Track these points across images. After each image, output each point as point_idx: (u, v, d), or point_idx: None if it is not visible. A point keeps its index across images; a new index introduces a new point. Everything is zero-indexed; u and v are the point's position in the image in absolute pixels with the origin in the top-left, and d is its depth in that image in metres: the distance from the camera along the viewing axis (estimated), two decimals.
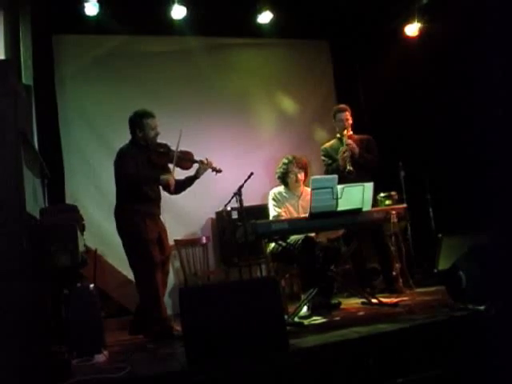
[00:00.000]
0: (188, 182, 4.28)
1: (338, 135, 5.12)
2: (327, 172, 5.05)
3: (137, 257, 4.00)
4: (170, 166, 4.19)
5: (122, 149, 4.11)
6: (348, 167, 4.78)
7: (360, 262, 5.08)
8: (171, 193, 4.22)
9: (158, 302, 3.95)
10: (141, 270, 3.99)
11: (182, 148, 4.17)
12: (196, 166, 4.24)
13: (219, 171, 4.27)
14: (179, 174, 4.23)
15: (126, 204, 4.05)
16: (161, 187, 4.19)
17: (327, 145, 5.21)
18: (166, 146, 4.18)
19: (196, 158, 4.26)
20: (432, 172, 5.59)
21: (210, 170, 4.23)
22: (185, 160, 4.19)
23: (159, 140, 4.20)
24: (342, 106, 5.18)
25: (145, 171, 4.05)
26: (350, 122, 5.06)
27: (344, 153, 4.88)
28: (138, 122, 4.09)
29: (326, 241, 4.58)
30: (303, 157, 4.75)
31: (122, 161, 4.03)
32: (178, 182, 4.16)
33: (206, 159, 4.24)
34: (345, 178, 4.52)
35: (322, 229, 4.26)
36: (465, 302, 3.43)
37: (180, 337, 3.32)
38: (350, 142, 4.93)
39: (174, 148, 4.12)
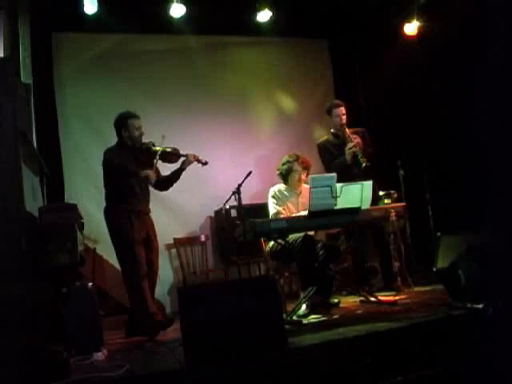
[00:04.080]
0: (175, 175, 4.30)
1: (333, 130, 5.10)
2: (328, 168, 4.97)
3: (123, 256, 4.05)
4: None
5: (107, 148, 4.18)
6: (364, 162, 4.71)
7: (361, 260, 5.07)
8: (161, 189, 4.30)
9: (144, 300, 3.95)
10: (126, 270, 4.02)
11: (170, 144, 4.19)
12: (182, 159, 4.25)
13: (205, 163, 4.26)
14: (168, 169, 4.24)
15: (114, 204, 4.11)
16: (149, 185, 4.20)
17: (323, 140, 5.15)
18: (150, 142, 4.21)
19: (181, 152, 4.27)
20: (431, 171, 5.59)
21: (195, 162, 4.23)
22: (170, 154, 4.22)
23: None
24: (338, 101, 5.16)
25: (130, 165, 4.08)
26: (345, 117, 5.03)
27: (351, 148, 4.82)
28: (123, 122, 4.16)
29: (325, 237, 4.58)
30: (306, 157, 4.72)
31: (108, 156, 4.08)
32: (164, 177, 4.24)
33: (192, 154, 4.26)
34: (351, 174, 4.56)
35: (321, 227, 4.27)
36: (463, 300, 3.43)
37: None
38: (354, 136, 4.90)
39: (158, 146, 4.15)
